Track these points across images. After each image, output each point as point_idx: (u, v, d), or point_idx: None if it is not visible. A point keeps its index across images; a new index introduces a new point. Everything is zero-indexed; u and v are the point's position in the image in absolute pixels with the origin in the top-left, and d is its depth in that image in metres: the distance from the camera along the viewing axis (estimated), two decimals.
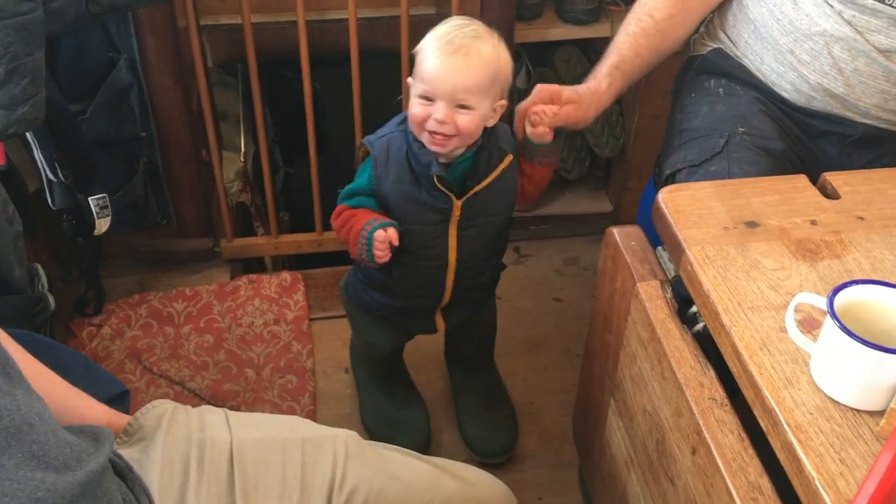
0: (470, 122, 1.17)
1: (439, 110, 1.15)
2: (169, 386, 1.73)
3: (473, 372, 1.68)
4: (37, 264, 1.15)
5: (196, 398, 1.71)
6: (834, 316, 0.77)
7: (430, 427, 1.65)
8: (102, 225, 1.62)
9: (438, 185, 1.22)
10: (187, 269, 1.99)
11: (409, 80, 1.21)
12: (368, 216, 1.24)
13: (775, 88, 1.36)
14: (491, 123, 1.23)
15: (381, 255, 1.21)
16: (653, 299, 0.99)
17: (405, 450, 1.00)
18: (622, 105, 2.06)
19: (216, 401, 1.69)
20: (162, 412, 0.89)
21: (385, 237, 1.20)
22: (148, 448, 0.86)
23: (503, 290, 1.99)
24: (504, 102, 1.23)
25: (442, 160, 1.23)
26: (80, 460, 0.70)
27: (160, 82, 1.74)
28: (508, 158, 1.26)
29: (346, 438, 0.94)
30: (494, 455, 1.61)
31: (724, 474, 0.81)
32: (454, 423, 1.70)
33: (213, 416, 0.91)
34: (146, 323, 1.84)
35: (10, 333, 0.95)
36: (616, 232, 1.09)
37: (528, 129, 1.27)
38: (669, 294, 1.00)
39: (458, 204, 1.25)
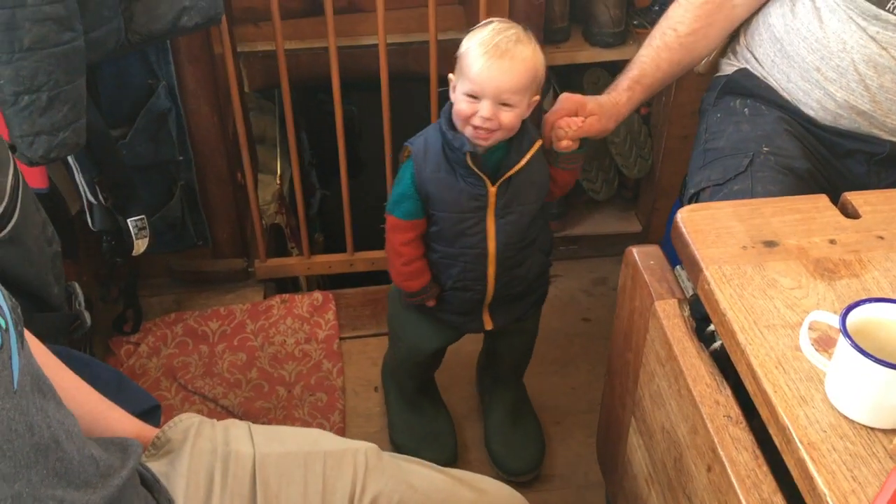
0: (512, 118, 1.25)
1: (485, 108, 1.23)
2: (203, 403, 1.77)
3: (502, 388, 1.69)
4: (74, 283, 1.19)
5: (228, 415, 1.75)
6: (846, 334, 0.78)
7: (456, 441, 1.67)
8: (140, 246, 1.67)
9: (471, 166, 1.28)
10: (222, 288, 2.04)
11: (452, 76, 1.28)
12: (426, 275, 1.41)
13: (802, 107, 1.37)
14: (525, 116, 1.30)
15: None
16: (670, 317, 1.00)
17: (424, 461, 1.02)
18: (650, 126, 2.07)
19: (248, 418, 1.72)
20: (188, 426, 0.92)
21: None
22: (174, 461, 0.89)
23: None
24: (537, 98, 1.30)
25: (479, 150, 1.29)
26: (105, 475, 0.73)
27: (197, 108, 1.79)
28: (538, 143, 1.33)
29: (367, 451, 0.96)
30: (520, 473, 1.62)
31: (738, 491, 0.81)
32: (481, 441, 1.71)
33: (237, 430, 0.93)
34: (182, 341, 1.89)
35: (48, 349, 0.99)
36: (635, 251, 1.10)
37: (554, 142, 1.35)
38: (687, 312, 1.01)
39: (493, 190, 1.31)
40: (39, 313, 1.09)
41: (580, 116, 1.35)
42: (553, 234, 1.52)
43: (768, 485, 0.81)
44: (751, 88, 1.43)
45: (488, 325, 1.49)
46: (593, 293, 2.08)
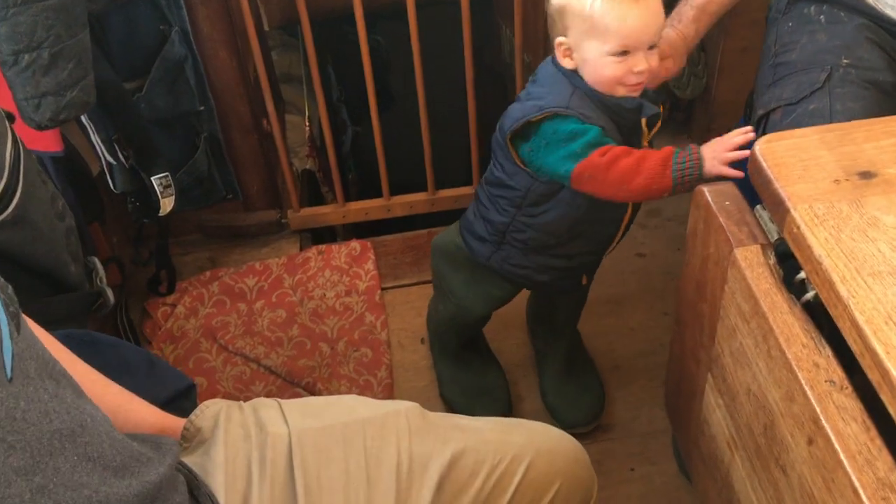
0: (657, 58, 1.16)
1: (641, 61, 1.11)
2: (245, 364, 1.71)
3: (557, 336, 1.59)
4: (94, 258, 1.11)
5: (272, 375, 1.68)
6: None
7: (509, 394, 1.58)
8: (167, 205, 1.58)
9: (644, 128, 1.19)
10: (257, 241, 1.96)
11: (561, 39, 1.13)
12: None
13: (889, 10, 1.21)
14: None
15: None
16: (753, 267, 0.88)
17: (467, 416, 0.95)
18: (704, 40, 1.90)
19: (292, 378, 1.66)
20: (216, 411, 0.84)
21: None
22: (209, 451, 0.82)
23: None
24: None
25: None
26: (141, 463, 0.66)
27: (214, 53, 1.68)
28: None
29: (407, 413, 0.88)
30: (579, 424, 1.53)
31: (849, 469, 0.71)
32: (536, 391, 1.62)
33: (268, 411, 0.85)
34: (219, 300, 1.82)
35: (71, 335, 0.91)
36: (707, 191, 0.98)
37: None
38: (773, 260, 0.89)
39: (647, 134, 1.21)
40: (57, 295, 1.01)
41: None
42: None
43: (884, 461, 0.70)
44: None
45: (584, 281, 1.42)
46: (647, 225, 1.95)
